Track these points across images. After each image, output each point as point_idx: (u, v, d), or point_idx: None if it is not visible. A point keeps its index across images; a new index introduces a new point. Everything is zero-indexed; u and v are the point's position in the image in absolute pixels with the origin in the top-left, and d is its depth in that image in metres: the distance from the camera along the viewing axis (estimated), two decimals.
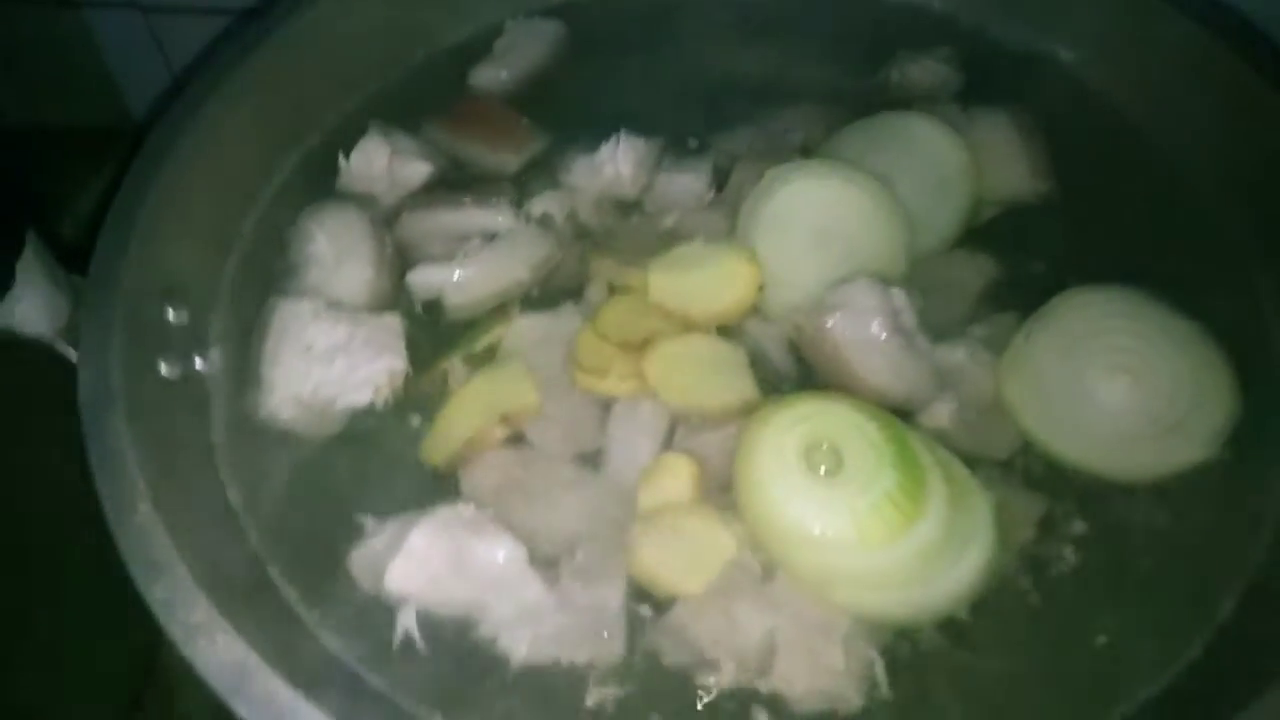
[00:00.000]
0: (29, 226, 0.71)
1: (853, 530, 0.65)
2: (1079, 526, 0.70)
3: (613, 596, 0.67)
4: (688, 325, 0.78)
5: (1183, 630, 0.66)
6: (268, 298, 0.80)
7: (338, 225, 0.84)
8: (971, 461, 0.71)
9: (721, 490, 0.71)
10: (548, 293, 0.83)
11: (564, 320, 0.80)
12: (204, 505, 0.71)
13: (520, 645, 0.66)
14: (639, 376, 0.75)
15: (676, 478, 0.71)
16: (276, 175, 0.90)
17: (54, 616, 1.07)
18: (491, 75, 0.97)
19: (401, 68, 0.98)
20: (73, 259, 0.75)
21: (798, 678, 0.65)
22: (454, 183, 0.90)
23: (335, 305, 0.80)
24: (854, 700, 0.64)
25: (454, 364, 0.78)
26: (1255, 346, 0.76)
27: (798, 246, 0.80)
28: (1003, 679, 0.65)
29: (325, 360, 0.76)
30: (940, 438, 0.72)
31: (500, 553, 0.66)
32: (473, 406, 0.75)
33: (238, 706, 0.57)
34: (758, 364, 0.77)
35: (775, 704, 0.64)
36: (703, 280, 0.79)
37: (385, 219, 0.87)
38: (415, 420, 0.76)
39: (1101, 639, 0.66)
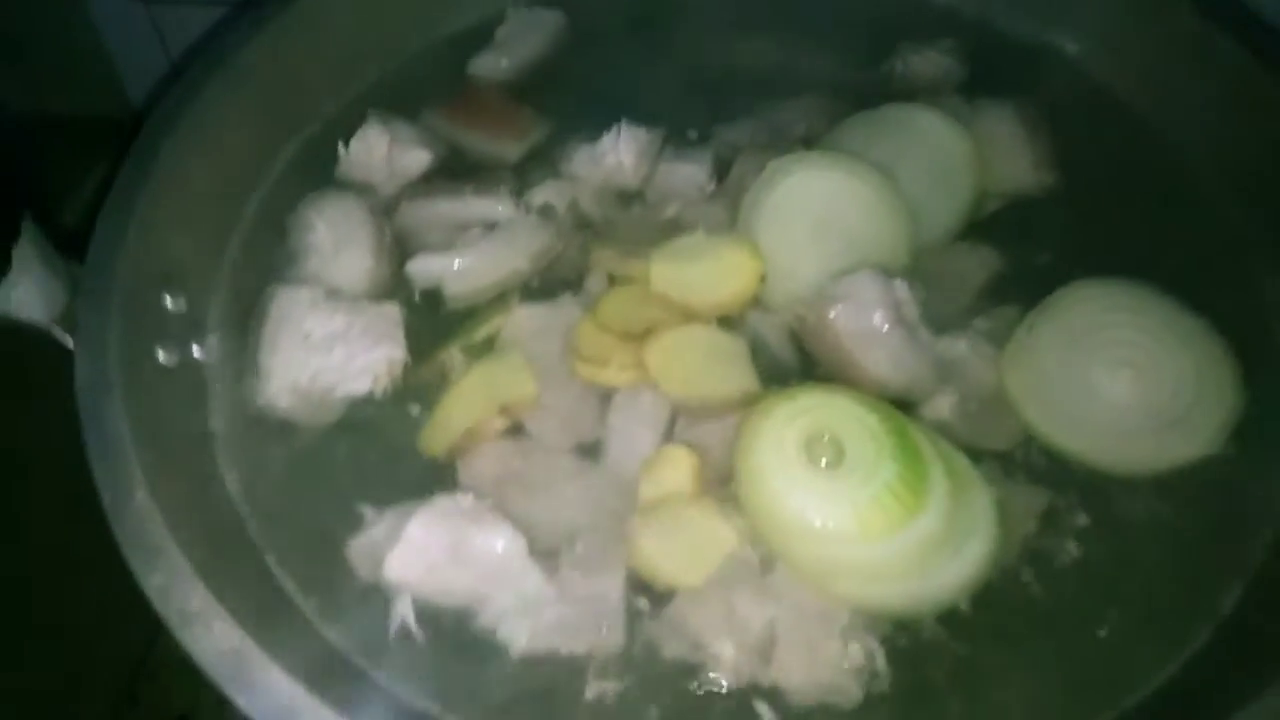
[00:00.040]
0: (25, 212, 0.71)
1: (853, 522, 0.65)
2: (1081, 520, 0.70)
3: (612, 588, 0.67)
4: (689, 316, 0.77)
5: (1185, 624, 0.66)
6: (266, 285, 0.80)
7: (337, 213, 0.84)
8: (973, 454, 0.70)
9: (722, 482, 0.71)
10: (547, 283, 0.82)
11: (563, 311, 0.79)
12: (201, 493, 0.70)
13: (519, 635, 0.66)
14: (639, 367, 0.74)
15: (677, 469, 0.70)
16: (275, 163, 0.89)
17: (52, 606, 1.07)
18: (492, 64, 0.97)
19: (401, 56, 0.98)
20: (72, 246, 0.75)
21: (797, 669, 0.65)
22: (454, 172, 0.90)
23: (334, 293, 0.79)
24: (854, 692, 0.64)
25: (453, 354, 0.78)
26: (1259, 340, 0.75)
27: (799, 238, 0.80)
28: (1003, 671, 0.65)
29: (324, 348, 0.76)
30: (942, 430, 0.72)
31: (499, 542, 0.66)
32: (471, 397, 0.74)
33: (234, 694, 0.57)
34: (759, 355, 0.76)
35: (775, 695, 0.64)
36: (704, 271, 0.79)
37: (384, 207, 0.86)
38: (414, 409, 0.76)
39: (1103, 632, 0.66)
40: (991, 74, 0.93)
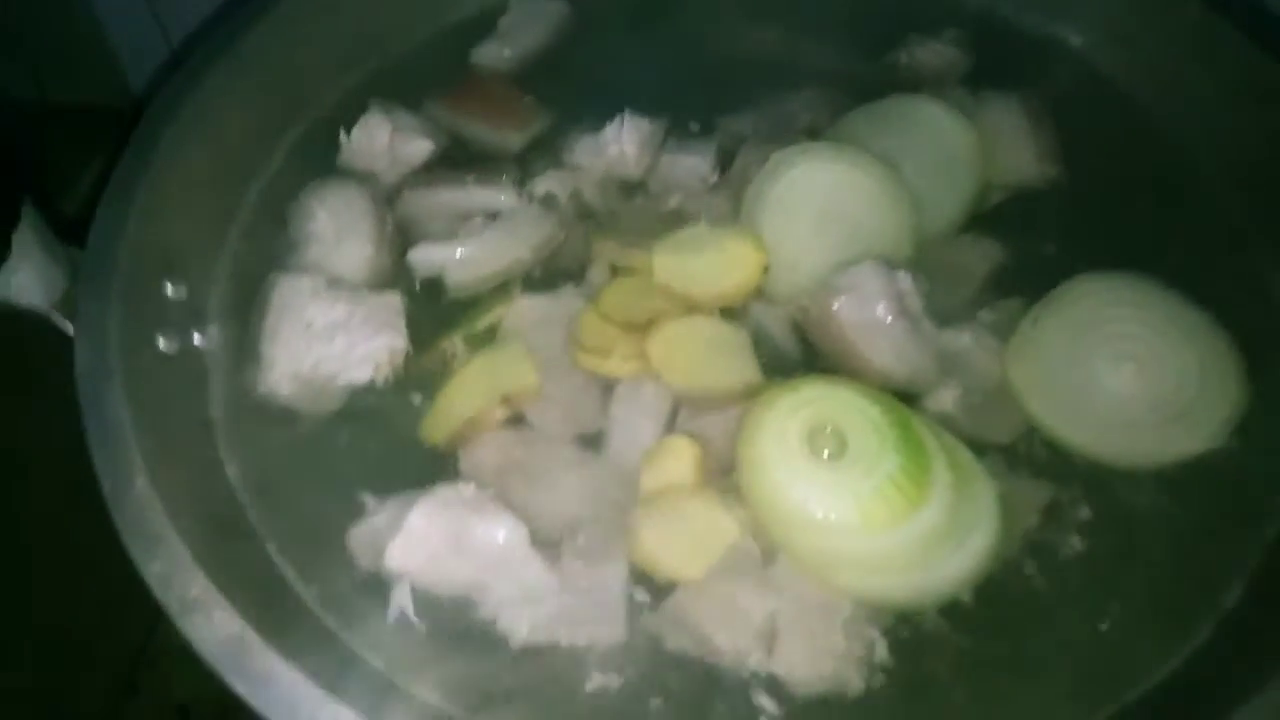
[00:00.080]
0: (25, 197, 0.71)
1: (856, 514, 0.64)
2: (1084, 513, 0.70)
3: (614, 579, 0.67)
4: (691, 307, 0.77)
5: (1188, 618, 0.66)
6: (268, 274, 0.80)
7: (338, 202, 0.83)
8: (976, 447, 0.70)
9: (724, 473, 0.70)
10: (549, 273, 0.82)
11: (565, 301, 0.79)
12: (202, 480, 0.70)
13: (520, 626, 0.65)
14: (642, 358, 0.74)
15: (679, 460, 0.70)
16: (277, 151, 0.89)
17: (52, 595, 1.07)
18: (495, 53, 0.96)
19: (404, 44, 0.97)
20: (73, 234, 0.74)
21: (799, 661, 0.64)
22: (456, 161, 0.89)
23: (335, 282, 0.79)
24: (856, 684, 0.64)
25: (455, 343, 0.77)
26: (1262, 334, 0.75)
27: (803, 229, 0.79)
28: (1005, 664, 0.64)
29: (325, 337, 0.76)
30: (945, 422, 0.72)
31: (501, 532, 0.66)
32: (473, 387, 0.74)
33: (234, 682, 0.57)
34: (761, 347, 0.76)
35: (777, 687, 0.64)
36: (707, 262, 0.78)
37: (386, 196, 0.86)
38: (415, 398, 0.76)
39: (1105, 626, 0.66)
40: (996, 66, 0.92)
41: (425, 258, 0.81)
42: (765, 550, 0.68)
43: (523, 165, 0.88)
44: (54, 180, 1.19)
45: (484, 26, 0.98)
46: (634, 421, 0.73)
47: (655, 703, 0.64)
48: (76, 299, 0.70)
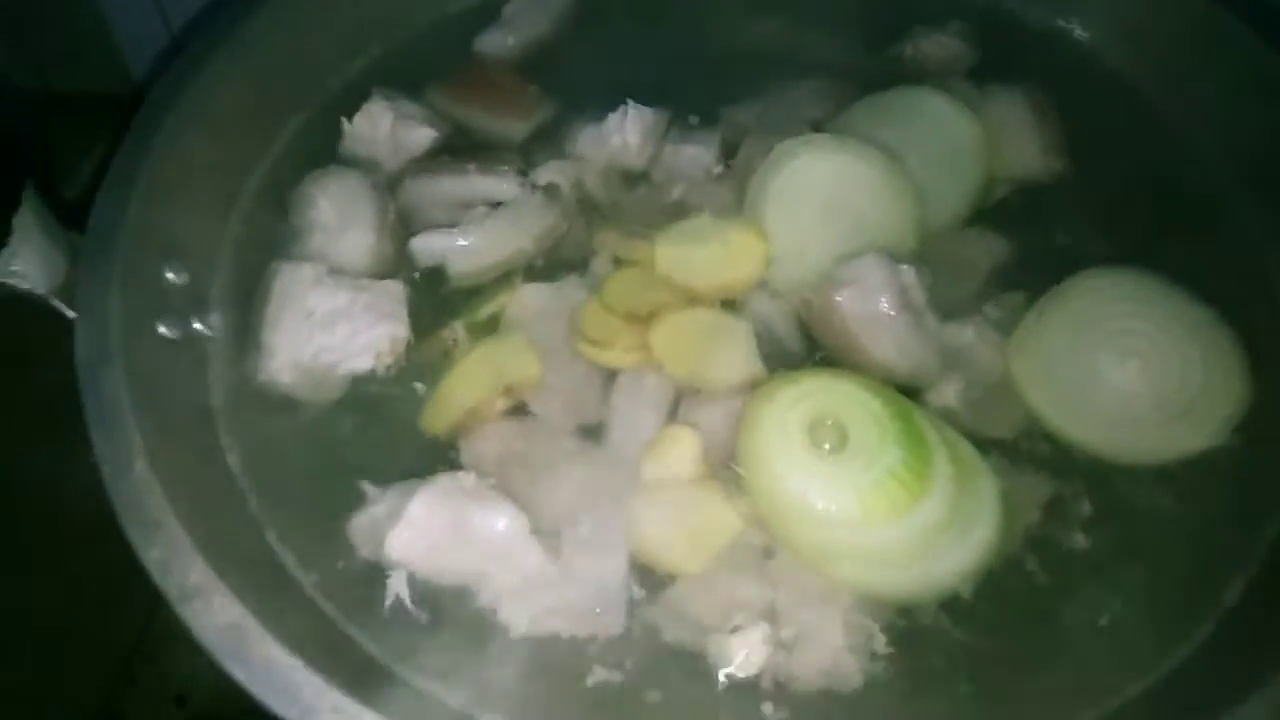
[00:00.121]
0: (26, 182, 0.70)
1: (856, 506, 0.64)
2: (1085, 509, 0.70)
3: (614, 570, 0.67)
4: (694, 298, 0.77)
5: (1189, 615, 0.66)
6: (269, 261, 0.79)
7: (340, 190, 0.83)
8: (978, 442, 0.70)
9: (725, 465, 0.70)
10: (552, 263, 0.82)
11: (567, 291, 0.79)
12: (202, 467, 0.70)
13: (521, 617, 0.65)
14: (644, 349, 0.74)
15: (680, 451, 0.70)
16: (278, 138, 0.89)
17: (49, 584, 1.07)
18: (498, 42, 0.96)
19: (407, 31, 0.97)
20: (74, 221, 0.74)
21: (799, 654, 0.64)
22: (458, 150, 0.89)
23: (337, 270, 0.79)
24: (855, 677, 0.64)
25: (457, 332, 0.77)
26: (1267, 332, 0.75)
27: (806, 221, 0.79)
28: (1005, 659, 0.64)
29: (326, 325, 0.76)
30: (947, 417, 0.72)
31: (501, 521, 0.65)
32: (474, 377, 0.74)
33: (234, 669, 0.57)
34: (763, 339, 0.76)
35: (776, 680, 0.64)
36: (710, 254, 0.78)
37: (388, 185, 0.86)
38: (417, 387, 0.75)
39: (1105, 622, 0.66)
40: (1001, 59, 0.92)
41: (427, 246, 0.81)
42: (766, 543, 0.68)
43: (525, 154, 0.88)
44: (55, 166, 1.19)
45: (487, 14, 0.97)
46: (635, 412, 0.73)
47: (654, 695, 0.64)
48: (77, 284, 0.70)
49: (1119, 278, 0.75)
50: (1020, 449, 0.72)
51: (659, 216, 0.82)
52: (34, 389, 0.86)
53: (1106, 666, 0.64)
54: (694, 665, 0.65)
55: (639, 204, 0.85)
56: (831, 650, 0.64)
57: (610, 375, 0.75)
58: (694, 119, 0.89)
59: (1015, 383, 0.74)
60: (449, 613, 0.66)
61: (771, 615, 0.66)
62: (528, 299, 0.79)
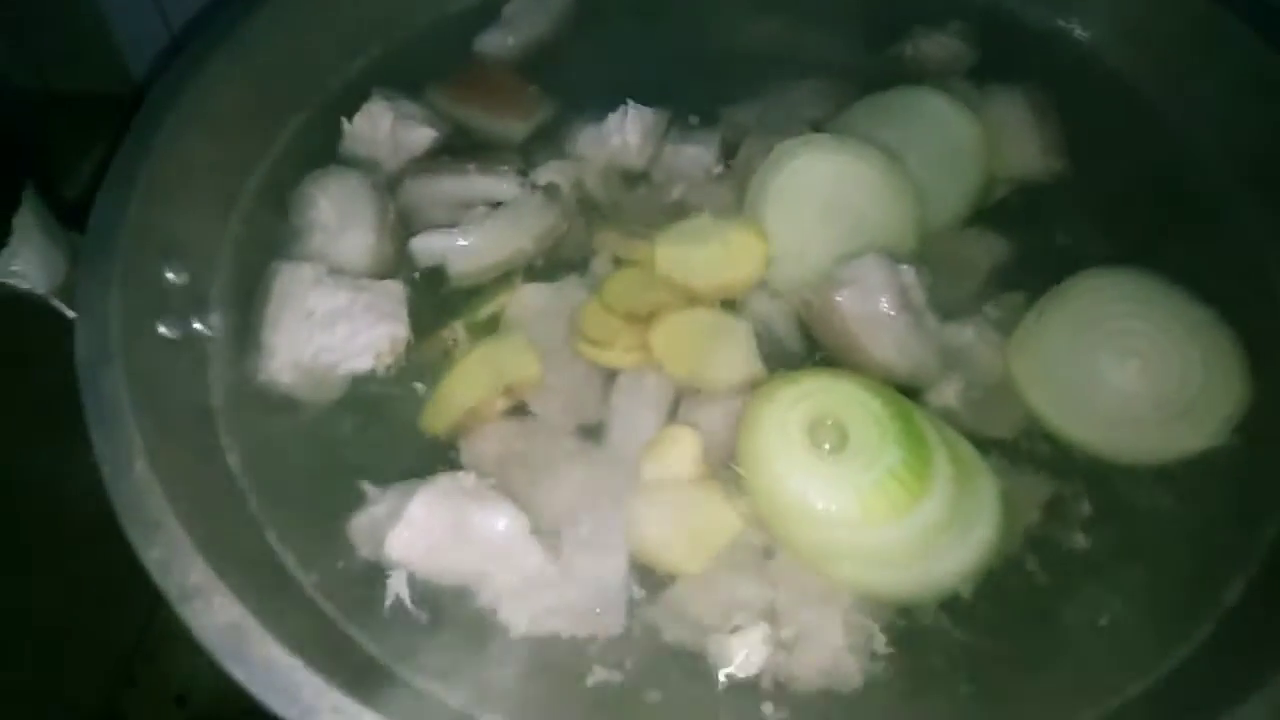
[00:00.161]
0: (27, 182, 0.70)
1: (856, 506, 0.64)
2: (1085, 509, 0.70)
3: (614, 570, 0.67)
4: (694, 298, 0.77)
5: (1189, 615, 0.66)
6: (269, 261, 0.79)
7: (340, 190, 0.83)
8: (978, 442, 0.70)
9: (726, 464, 0.70)
10: (552, 263, 0.82)
11: (567, 291, 0.79)
12: (202, 467, 0.70)
13: (521, 617, 0.65)
14: (644, 349, 0.74)
15: (680, 451, 0.70)
16: (278, 138, 0.89)
17: (49, 585, 1.07)
18: (498, 42, 0.96)
19: (407, 31, 0.97)
20: (74, 220, 0.74)
21: (798, 655, 0.64)
22: (458, 150, 0.89)
23: (337, 270, 0.79)
24: (854, 677, 0.64)
25: (457, 332, 0.77)
26: (1267, 332, 0.75)
27: (806, 221, 0.79)
28: (1005, 659, 0.64)
29: (326, 325, 0.76)
30: (947, 417, 0.72)
31: (501, 521, 0.65)
32: (474, 377, 0.74)
33: (234, 669, 0.57)
34: (764, 339, 0.76)
35: (776, 680, 0.64)
36: (710, 254, 0.78)
37: (388, 184, 0.86)
38: (417, 387, 0.75)
39: (1105, 622, 0.66)
40: (1001, 59, 0.92)
41: (427, 246, 0.81)
42: (765, 543, 0.68)
43: (525, 154, 0.88)
44: (55, 166, 1.19)
45: (487, 14, 0.97)
46: (635, 412, 0.73)
47: (654, 695, 0.64)
48: (77, 284, 0.70)
49: (1119, 278, 0.75)
50: (1020, 449, 0.72)
51: (659, 216, 0.82)
52: (34, 389, 0.86)
53: (1106, 666, 0.64)
54: (694, 665, 0.65)
55: (639, 204, 0.85)
56: (831, 650, 0.64)
57: (610, 375, 0.75)
58: (694, 119, 0.89)
59: (1015, 383, 0.74)
60: (449, 613, 0.66)
61: (771, 615, 0.66)
62: (528, 299, 0.79)
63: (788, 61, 0.92)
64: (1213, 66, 0.85)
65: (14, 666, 1.06)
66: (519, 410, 0.74)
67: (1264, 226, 0.81)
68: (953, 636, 0.65)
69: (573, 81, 0.92)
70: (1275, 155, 0.81)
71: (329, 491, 0.70)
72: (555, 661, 0.65)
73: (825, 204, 0.79)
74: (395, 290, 0.78)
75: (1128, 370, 0.72)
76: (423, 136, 0.88)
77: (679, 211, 0.82)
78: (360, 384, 0.76)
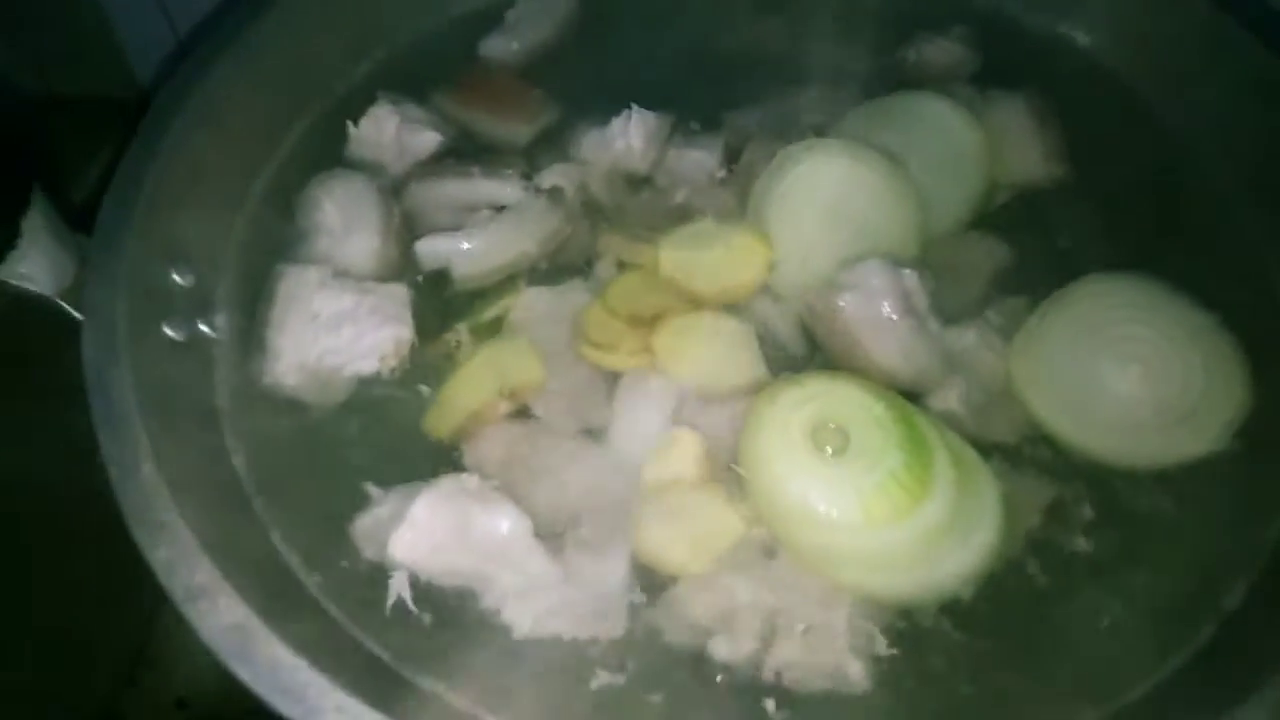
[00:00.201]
0: (35, 184, 0.71)
1: (858, 509, 0.65)
2: (1086, 513, 0.70)
3: (617, 572, 0.67)
4: (697, 302, 0.77)
5: (1189, 619, 0.66)
6: (275, 264, 0.80)
7: (346, 194, 0.83)
8: (980, 446, 0.70)
9: (728, 467, 0.70)
10: (555, 267, 0.82)
11: (571, 295, 0.79)
12: (208, 469, 0.70)
13: (524, 618, 0.66)
14: (647, 352, 0.74)
15: (683, 454, 0.70)
16: (284, 142, 0.89)
17: (52, 587, 1.07)
18: (503, 46, 0.96)
19: (412, 36, 0.97)
20: (82, 223, 0.75)
21: (800, 657, 0.64)
22: (463, 153, 0.89)
23: (342, 273, 0.79)
24: (856, 680, 0.64)
25: (461, 335, 0.78)
26: (1269, 337, 0.74)
27: (809, 225, 0.80)
28: (1006, 662, 0.65)
29: (331, 328, 0.76)
30: (949, 420, 0.72)
31: (504, 523, 0.66)
32: (478, 380, 0.74)
33: (238, 669, 0.57)
34: (767, 342, 0.76)
35: (777, 683, 0.64)
36: (714, 258, 0.79)
37: (393, 188, 0.86)
38: (421, 390, 0.76)
39: (1106, 624, 0.66)
40: (1003, 64, 0.92)
41: (432, 250, 0.81)
42: (767, 545, 0.68)
43: (530, 158, 0.88)
44: (63, 169, 1.19)
45: (492, 19, 0.98)
46: (638, 415, 0.73)
47: (656, 697, 0.64)
48: (84, 286, 0.70)
49: (1120, 283, 0.76)
50: (1022, 453, 0.72)
51: (662, 220, 0.82)
52: (40, 390, 0.86)
53: (1107, 669, 0.64)
54: (696, 667, 0.65)
55: (642, 208, 0.86)
56: (833, 652, 0.64)
57: (613, 378, 0.75)
58: (697, 124, 0.90)
59: (1017, 387, 0.74)
60: (452, 614, 0.67)
61: (773, 617, 0.66)
62: (531, 302, 0.79)
63: (791, 66, 0.93)
64: (1214, 72, 0.85)
65: (14, 667, 1.06)
66: (522, 413, 0.74)
67: (1265, 231, 0.81)
68: (954, 639, 0.65)
69: (577, 86, 0.92)
70: (1277, 160, 0.81)
71: (333, 493, 0.71)
72: (558, 663, 0.65)
73: (828, 208, 0.80)
74: (400, 293, 0.78)
75: (1129, 375, 0.72)
76: (427, 140, 0.88)
77: (682, 215, 0.83)
78: (365, 386, 0.76)
